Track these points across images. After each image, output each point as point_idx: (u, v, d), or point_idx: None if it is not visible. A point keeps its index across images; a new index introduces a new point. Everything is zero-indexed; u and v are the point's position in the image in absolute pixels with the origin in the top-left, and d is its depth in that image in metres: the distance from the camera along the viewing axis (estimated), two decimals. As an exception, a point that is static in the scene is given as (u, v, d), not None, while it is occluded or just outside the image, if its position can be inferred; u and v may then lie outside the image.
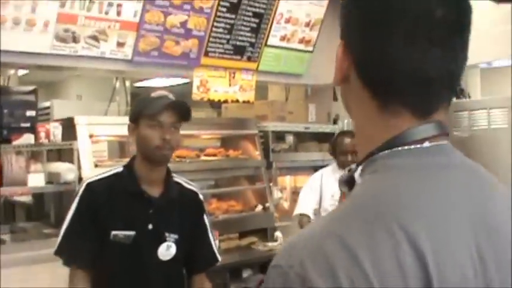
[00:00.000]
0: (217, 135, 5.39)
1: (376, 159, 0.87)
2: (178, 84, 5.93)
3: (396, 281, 0.74)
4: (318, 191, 4.35)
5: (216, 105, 5.98)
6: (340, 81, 0.92)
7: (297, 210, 4.41)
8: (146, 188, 2.46)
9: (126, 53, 4.30)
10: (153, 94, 2.49)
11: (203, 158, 4.97)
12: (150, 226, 2.43)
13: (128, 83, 6.11)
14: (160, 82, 6.21)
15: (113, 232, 2.37)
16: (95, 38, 4.09)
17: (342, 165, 4.21)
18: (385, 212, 0.79)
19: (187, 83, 5.38)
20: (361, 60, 0.88)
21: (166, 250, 2.46)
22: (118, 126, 4.18)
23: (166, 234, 2.47)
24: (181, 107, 2.48)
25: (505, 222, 0.86)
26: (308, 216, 4.28)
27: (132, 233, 2.39)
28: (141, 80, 6.76)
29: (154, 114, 2.41)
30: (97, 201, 2.41)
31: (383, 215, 0.78)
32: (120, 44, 4.24)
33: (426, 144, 0.86)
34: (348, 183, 0.96)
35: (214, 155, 5.05)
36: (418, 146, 0.86)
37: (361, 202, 0.83)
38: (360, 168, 0.91)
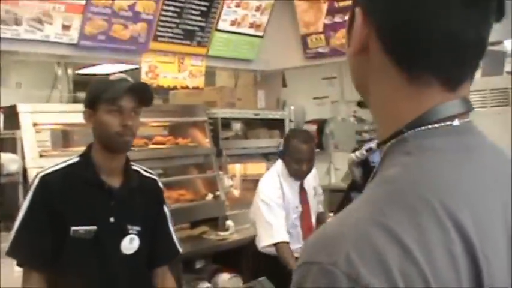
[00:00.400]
0: (165, 123, 5.24)
1: (407, 139, 0.80)
2: (126, 71, 5.73)
3: (451, 278, 0.67)
4: (282, 206, 3.83)
5: (162, 91, 5.83)
6: (357, 51, 0.84)
7: (273, 239, 3.71)
8: (105, 178, 2.32)
9: (72, 36, 4.10)
10: (112, 77, 2.33)
11: (151, 146, 4.82)
12: (112, 219, 2.30)
13: (70, 70, 5.88)
14: (105, 69, 5.99)
15: (73, 228, 2.22)
16: (38, 20, 3.87)
17: (294, 174, 3.86)
18: (431, 198, 0.72)
19: (134, 69, 5.21)
20: (387, 24, 0.81)
21: (130, 243, 2.33)
22: (62, 114, 4.00)
23: (129, 227, 2.34)
24: (143, 91, 2.33)
25: None
26: (287, 243, 3.68)
27: (93, 227, 2.25)
28: (84, 67, 6.51)
29: (115, 98, 2.25)
30: (53, 195, 2.24)
31: (429, 202, 0.71)
32: (66, 27, 4.03)
33: (456, 122, 0.80)
34: (363, 165, 0.87)
35: (163, 144, 4.90)
36: (448, 123, 0.80)
37: (403, 187, 0.75)
38: (384, 147, 0.84)
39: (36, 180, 2.27)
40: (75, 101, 5.42)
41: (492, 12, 0.82)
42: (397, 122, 0.82)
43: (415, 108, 0.80)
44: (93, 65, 5.85)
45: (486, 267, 0.70)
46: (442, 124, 0.80)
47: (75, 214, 2.25)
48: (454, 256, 0.68)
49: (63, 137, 4.86)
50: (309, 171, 3.88)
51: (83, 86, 6.09)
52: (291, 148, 3.80)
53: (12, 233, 2.26)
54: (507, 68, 4.76)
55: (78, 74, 6.62)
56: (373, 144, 0.72)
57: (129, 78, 2.36)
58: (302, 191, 3.97)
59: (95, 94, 2.31)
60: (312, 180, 4.04)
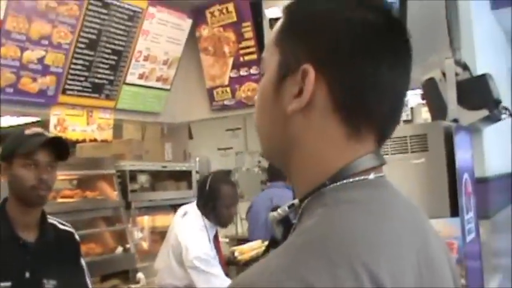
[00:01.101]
0: (73, 176, 5.17)
1: (324, 193, 0.84)
2: (33, 122, 5.64)
3: None
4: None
5: (69, 144, 5.75)
6: (303, 107, 0.85)
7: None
8: (21, 233, 2.31)
9: (-21, 89, 4.04)
10: (27, 131, 2.35)
11: (59, 200, 4.74)
12: (27, 274, 2.27)
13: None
14: (8, 121, 5.84)
15: None
16: None
17: (223, 221, 3.82)
18: (346, 249, 0.75)
19: (39, 121, 5.14)
20: (341, 82, 0.84)
21: None
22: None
23: (45, 281, 2.32)
24: (59, 145, 2.36)
25: (439, 255, 0.91)
26: None
27: (7, 284, 2.21)
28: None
29: (30, 152, 2.27)
30: None
31: (344, 253, 0.74)
32: (-27, 80, 3.97)
33: (371, 176, 0.86)
34: (284, 222, 0.94)
35: (71, 197, 4.84)
36: (364, 178, 0.85)
37: (319, 239, 0.77)
38: (304, 203, 0.87)
39: None
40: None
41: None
42: (320, 177, 0.85)
43: (342, 162, 0.85)
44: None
45: None
46: (358, 178, 0.84)
47: None
48: None
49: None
50: (234, 215, 3.91)
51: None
52: (222, 193, 3.71)
53: None
54: (403, 117, 5.10)
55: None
56: (295, 201, 0.77)
57: (46, 133, 2.39)
58: (216, 240, 3.91)
59: (11, 148, 2.33)
60: None
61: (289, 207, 0.92)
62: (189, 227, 3.74)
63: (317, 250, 0.75)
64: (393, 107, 0.88)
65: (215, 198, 3.71)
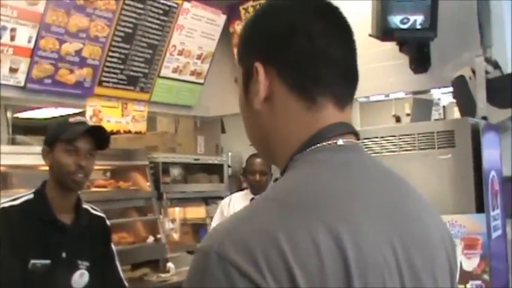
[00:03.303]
0: (107, 167, 5.29)
1: (295, 159, 0.95)
2: (69, 115, 5.78)
3: (311, 257, 0.79)
4: (225, 214, 4.35)
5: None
6: (264, 99, 0.99)
7: None
8: (58, 215, 2.42)
9: (19, 79, 4.16)
10: (71, 119, 2.46)
11: (93, 189, 4.86)
12: (64, 254, 2.39)
13: (9, 113, 5.86)
14: (46, 113, 6.01)
15: (32, 261, 2.29)
16: (-14, 62, 3.93)
17: (250, 184, 4.54)
18: (303, 200, 0.85)
19: (78, 113, 5.26)
20: (286, 65, 0.98)
21: (80, 278, 2.43)
22: (1, 155, 4.00)
23: (79, 262, 2.43)
24: (100, 135, 2.46)
25: (419, 211, 0.99)
26: None
27: (47, 261, 2.32)
28: (24, 110, 6.50)
29: (72, 139, 2.38)
30: (14, 228, 2.32)
31: (301, 203, 0.84)
32: (13, 70, 4.10)
33: (340, 141, 0.96)
34: None
35: (105, 187, 4.96)
36: (331, 143, 0.95)
37: (280, 193, 0.90)
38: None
39: None
40: (14, 143, 5.41)
41: (355, 46, 1.03)
42: (293, 150, 0.97)
43: (311, 132, 0.96)
44: (36, 108, 5.86)
45: (355, 254, 0.80)
46: (325, 143, 0.95)
47: (32, 248, 2.32)
48: (318, 243, 0.79)
49: (2, 179, 4.84)
50: (261, 180, 4.46)
51: (22, 130, 6.09)
52: (248, 163, 4.57)
53: None
54: (435, 116, 5.09)
55: (18, 117, 6.61)
56: (278, 175, 0.87)
57: (89, 122, 2.50)
58: None
59: (54, 133, 2.43)
60: None
61: (274, 181, 1.03)
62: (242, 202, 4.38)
63: (275, 200, 0.87)
64: (342, 72, 0.99)
65: (245, 169, 4.65)
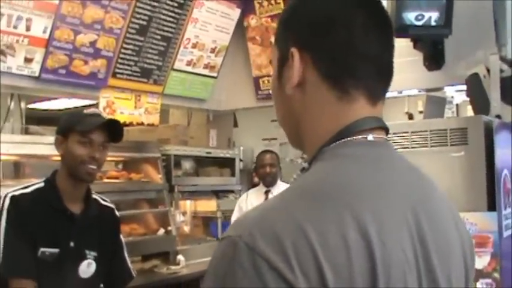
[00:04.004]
0: (119, 158, 5.32)
1: (325, 151, 0.94)
2: (83, 106, 5.81)
3: (340, 253, 0.79)
4: (244, 209, 4.49)
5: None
6: (297, 84, 0.98)
7: None
8: (68, 204, 2.43)
9: (34, 69, 4.19)
10: (86, 111, 2.46)
11: (105, 180, 4.89)
12: (72, 244, 2.41)
13: (23, 104, 5.89)
14: (58, 104, 6.04)
15: (42, 249, 2.31)
16: (1, 52, 3.95)
17: (262, 177, 4.93)
18: (332, 193, 0.85)
19: (90, 105, 5.29)
20: (322, 53, 0.97)
21: (87, 267, 2.45)
22: (14, 145, 4.03)
23: (87, 252, 2.45)
24: (114, 128, 2.47)
25: (441, 211, 0.98)
26: None
27: (56, 250, 2.35)
28: (38, 101, 6.54)
29: (86, 131, 2.39)
30: (24, 216, 2.34)
31: (330, 196, 0.84)
32: (28, 60, 4.12)
33: (370, 137, 0.95)
34: None
35: (117, 178, 4.99)
36: (362, 137, 0.94)
37: (309, 184, 0.89)
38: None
39: (7, 200, 2.34)
40: (27, 133, 5.45)
41: (393, 41, 1.02)
42: (323, 140, 0.96)
43: (341, 124, 0.95)
44: (49, 99, 5.88)
45: (380, 251, 0.81)
46: (356, 137, 0.94)
47: (42, 236, 2.34)
48: (347, 238, 0.79)
49: (15, 169, 4.87)
50: (271, 173, 4.85)
51: (35, 120, 6.13)
52: (258, 159, 4.99)
53: None
54: (448, 114, 5.06)
55: (29, 108, 6.64)
56: (305, 165, 0.85)
57: (103, 114, 2.51)
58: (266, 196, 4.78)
59: (68, 124, 2.44)
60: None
61: (301, 170, 1.00)
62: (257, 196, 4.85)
63: (304, 192, 0.87)
64: (377, 67, 0.99)
65: (256, 163, 5.06)
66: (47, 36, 4.18)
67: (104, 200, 2.67)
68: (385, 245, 0.82)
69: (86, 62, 4.51)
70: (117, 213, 2.71)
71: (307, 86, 0.98)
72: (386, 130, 0.99)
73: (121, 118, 4.99)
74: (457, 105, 6.11)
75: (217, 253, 0.83)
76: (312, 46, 0.98)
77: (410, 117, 7.03)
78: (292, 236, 0.78)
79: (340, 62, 0.96)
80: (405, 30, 3.65)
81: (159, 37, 5.04)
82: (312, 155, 0.97)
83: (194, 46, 5.39)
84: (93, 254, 2.46)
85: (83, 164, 2.38)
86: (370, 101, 0.97)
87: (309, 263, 0.77)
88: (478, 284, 2.81)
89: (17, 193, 2.39)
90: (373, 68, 0.97)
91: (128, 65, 4.89)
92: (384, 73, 1.00)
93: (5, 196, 2.39)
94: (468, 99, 3.80)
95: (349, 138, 0.94)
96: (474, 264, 1.06)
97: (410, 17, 3.60)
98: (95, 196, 2.60)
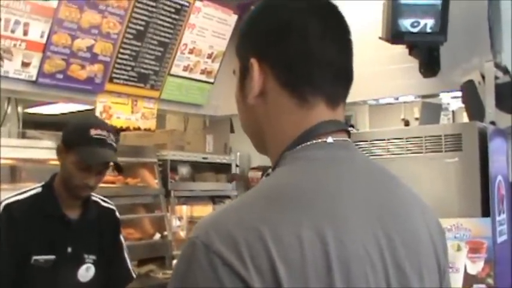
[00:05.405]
0: (116, 163, 5.31)
1: (286, 156, 0.97)
2: (79, 111, 5.82)
3: (294, 250, 0.81)
4: None
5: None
6: (258, 95, 1.01)
7: None
8: (66, 210, 2.42)
9: (31, 73, 4.20)
10: (93, 131, 2.35)
11: (101, 185, 4.87)
12: (69, 249, 2.40)
13: (20, 108, 5.90)
14: (55, 109, 6.03)
15: (34, 257, 2.29)
16: (-1, 56, 3.97)
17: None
18: (290, 194, 0.88)
19: (88, 110, 5.31)
20: (280, 62, 1.00)
21: (86, 272, 2.44)
22: (11, 149, 4.02)
23: (85, 256, 2.45)
24: (114, 163, 2.47)
25: (407, 208, 1.00)
26: None
27: (51, 257, 2.33)
28: (35, 105, 6.54)
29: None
30: (16, 224, 2.31)
31: (287, 197, 0.87)
32: (25, 64, 4.13)
33: (330, 139, 0.97)
34: None
35: (113, 183, 4.98)
36: (321, 140, 0.97)
37: (268, 187, 0.92)
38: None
39: (0, 208, 2.32)
40: (24, 137, 5.45)
41: (351, 46, 1.04)
42: (284, 146, 0.99)
43: (301, 129, 0.98)
44: (46, 104, 5.87)
45: (338, 248, 0.83)
46: (315, 141, 0.97)
47: (36, 243, 2.32)
48: (301, 238, 0.81)
49: (11, 173, 4.87)
50: None
51: (32, 125, 6.12)
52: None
53: None
54: (444, 121, 5.09)
55: (26, 112, 6.64)
56: (269, 170, 0.90)
57: (109, 138, 2.41)
58: None
59: (72, 140, 2.37)
60: None
61: (265, 176, 1.05)
62: None
63: (262, 196, 0.89)
64: (334, 73, 1.01)
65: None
66: (44, 40, 4.19)
67: (105, 201, 2.66)
68: (342, 242, 0.84)
69: (83, 67, 4.52)
70: (117, 214, 2.69)
71: (268, 96, 1.01)
72: (347, 132, 1.02)
73: (117, 123, 5.01)
74: (453, 111, 6.14)
75: (180, 254, 0.87)
76: (270, 56, 1.01)
77: (407, 123, 7.04)
78: (246, 235, 0.81)
79: (297, 70, 0.99)
80: (401, 37, 3.67)
81: (156, 42, 5.05)
82: (275, 160, 1.00)
83: (191, 52, 5.41)
84: (92, 257, 2.46)
85: (76, 187, 2.36)
86: (329, 106, 1.00)
87: (262, 260, 0.80)
88: (472, 289, 2.82)
89: (10, 200, 2.35)
90: (330, 74, 1.00)
91: (125, 70, 4.89)
92: (341, 78, 1.03)
93: None
94: (464, 106, 3.82)
95: (308, 142, 0.97)
96: (447, 256, 1.07)
97: (405, 23, 3.63)
98: (95, 198, 2.58)
